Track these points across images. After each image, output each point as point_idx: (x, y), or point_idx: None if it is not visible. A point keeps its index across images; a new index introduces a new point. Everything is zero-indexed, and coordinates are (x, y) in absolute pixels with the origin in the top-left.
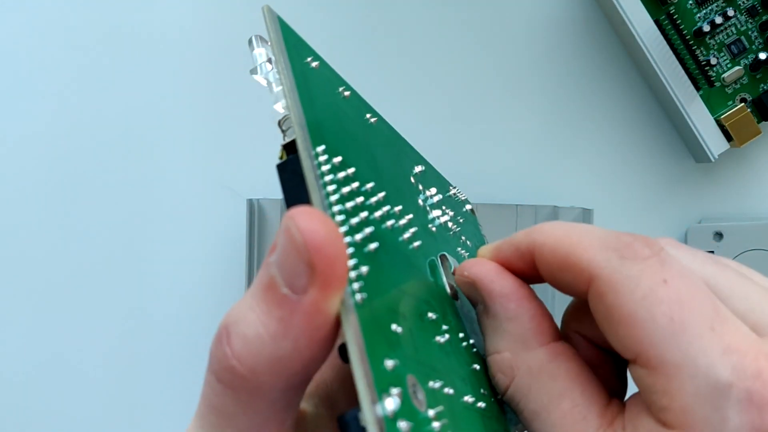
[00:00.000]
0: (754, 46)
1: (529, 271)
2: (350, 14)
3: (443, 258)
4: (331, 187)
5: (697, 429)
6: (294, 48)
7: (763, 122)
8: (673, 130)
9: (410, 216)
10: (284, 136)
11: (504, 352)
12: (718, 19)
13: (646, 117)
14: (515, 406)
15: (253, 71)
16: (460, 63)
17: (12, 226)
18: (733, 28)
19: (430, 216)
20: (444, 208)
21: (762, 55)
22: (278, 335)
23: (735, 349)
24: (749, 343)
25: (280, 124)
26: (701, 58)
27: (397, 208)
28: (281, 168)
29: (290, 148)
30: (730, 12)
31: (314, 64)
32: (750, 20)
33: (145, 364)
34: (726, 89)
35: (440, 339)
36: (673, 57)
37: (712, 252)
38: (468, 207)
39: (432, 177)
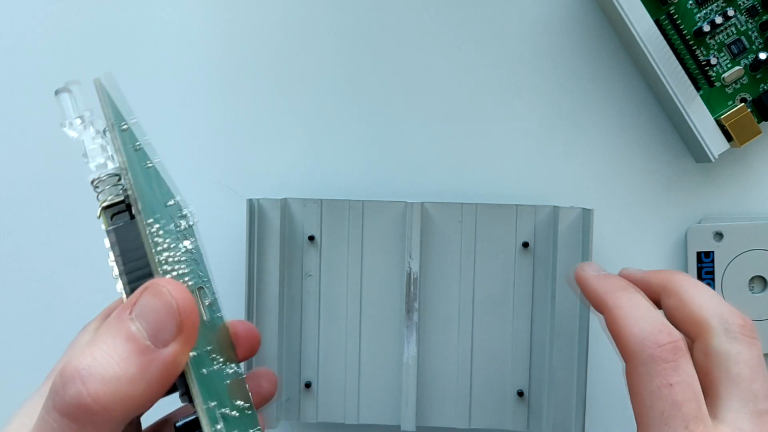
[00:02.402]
0: (754, 46)
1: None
2: (351, 14)
3: (200, 290)
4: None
5: None
6: (119, 118)
7: (763, 122)
8: (673, 130)
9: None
10: (98, 195)
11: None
12: (718, 19)
13: (646, 117)
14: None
15: (63, 125)
16: (460, 63)
17: (12, 227)
18: (733, 28)
19: (184, 244)
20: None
21: (762, 55)
22: (135, 378)
23: None
24: None
25: (93, 183)
26: (701, 58)
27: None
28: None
29: (110, 209)
30: (730, 12)
31: (124, 126)
32: (750, 20)
33: None
34: (726, 89)
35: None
36: (673, 57)
37: (712, 252)
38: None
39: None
